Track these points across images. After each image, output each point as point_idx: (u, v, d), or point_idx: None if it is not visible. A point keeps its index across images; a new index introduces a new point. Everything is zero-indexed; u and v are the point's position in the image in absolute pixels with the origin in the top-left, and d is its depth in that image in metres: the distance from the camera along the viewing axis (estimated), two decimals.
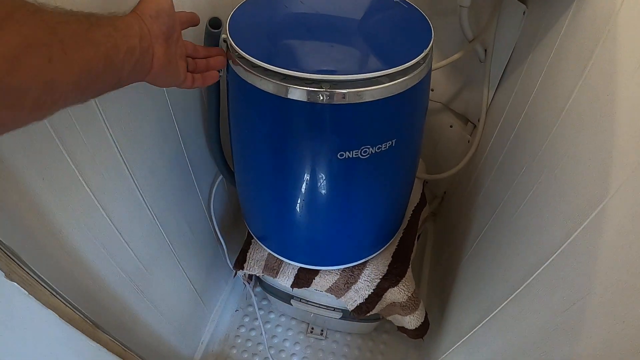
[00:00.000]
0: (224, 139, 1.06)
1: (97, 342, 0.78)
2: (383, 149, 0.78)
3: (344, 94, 0.68)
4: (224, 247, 1.36)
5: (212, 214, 1.27)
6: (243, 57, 0.72)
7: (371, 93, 0.69)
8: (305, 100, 0.69)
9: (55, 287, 0.67)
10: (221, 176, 1.23)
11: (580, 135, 0.68)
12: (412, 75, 0.72)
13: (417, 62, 0.73)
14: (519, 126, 0.98)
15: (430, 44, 0.76)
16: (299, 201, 0.90)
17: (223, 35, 0.79)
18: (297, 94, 0.69)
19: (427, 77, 0.80)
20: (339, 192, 0.87)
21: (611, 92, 0.60)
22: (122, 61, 0.51)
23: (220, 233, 1.32)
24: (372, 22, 0.83)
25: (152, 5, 0.59)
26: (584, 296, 0.58)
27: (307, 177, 0.83)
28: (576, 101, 0.72)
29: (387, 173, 0.88)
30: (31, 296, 0.60)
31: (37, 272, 0.63)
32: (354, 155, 0.76)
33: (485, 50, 1.22)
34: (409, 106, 0.79)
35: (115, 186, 0.80)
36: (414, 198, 1.28)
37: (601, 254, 0.56)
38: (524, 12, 1.03)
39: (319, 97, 0.68)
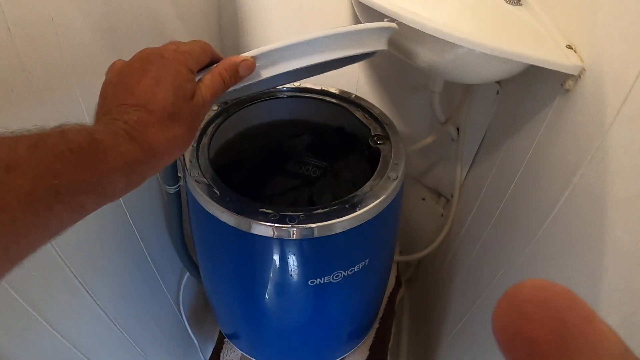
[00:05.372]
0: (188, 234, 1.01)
1: None
2: (356, 270, 0.74)
3: (313, 228, 0.64)
4: (197, 346, 1.31)
5: (183, 313, 1.21)
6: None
7: (342, 224, 0.65)
8: (272, 236, 0.65)
9: None
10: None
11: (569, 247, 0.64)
12: (381, 199, 0.69)
13: None
14: (501, 210, 0.93)
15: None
16: (269, 315, 0.85)
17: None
18: (261, 229, 0.64)
19: (398, 197, 0.76)
20: (309, 310, 0.83)
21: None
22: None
23: (193, 331, 1.26)
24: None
25: None
26: None
27: (276, 301, 0.79)
28: (563, 209, 0.67)
29: (360, 289, 0.84)
30: None
31: None
32: (325, 281, 0.72)
33: (458, 129, 1.20)
34: (380, 229, 0.75)
35: (77, 313, 0.76)
36: (389, 283, 1.24)
37: None
38: (497, 92, 1.00)
39: (287, 234, 0.64)
